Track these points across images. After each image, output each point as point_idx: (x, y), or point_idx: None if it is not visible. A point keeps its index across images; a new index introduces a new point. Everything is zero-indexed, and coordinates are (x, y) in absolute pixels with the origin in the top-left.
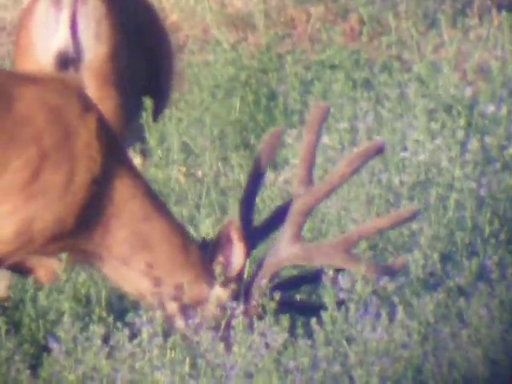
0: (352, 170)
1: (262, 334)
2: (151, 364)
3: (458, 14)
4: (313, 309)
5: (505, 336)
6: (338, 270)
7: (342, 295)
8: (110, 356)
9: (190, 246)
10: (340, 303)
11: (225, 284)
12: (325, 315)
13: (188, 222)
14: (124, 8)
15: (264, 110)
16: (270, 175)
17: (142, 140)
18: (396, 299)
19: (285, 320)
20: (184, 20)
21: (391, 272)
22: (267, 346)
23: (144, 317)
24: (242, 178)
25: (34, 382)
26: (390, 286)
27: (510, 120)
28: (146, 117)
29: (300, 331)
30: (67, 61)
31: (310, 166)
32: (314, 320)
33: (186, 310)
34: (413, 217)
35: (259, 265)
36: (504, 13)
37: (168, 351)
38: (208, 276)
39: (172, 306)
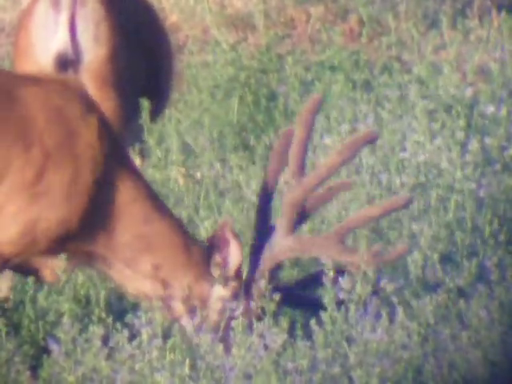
0: (342, 161)
1: (261, 336)
2: (151, 365)
3: (458, 15)
4: (312, 302)
5: (504, 337)
6: (338, 271)
7: (341, 296)
8: (109, 357)
9: (191, 245)
10: (340, 304)
11: (225, 283)
12: (324, 316)
13: (187, 223)
14: (123, 9)
15: (264, 111)
16: None
17: (141, 141)
18: (396, 300)
19: (284, 321)
20: (184, 20)
21: (389, 261)
22: (266, 347)
23: (143, 318)
24: (241, 179)
25: (33, 383)
26: (390, 287)
27: (510, 121)
28: (144, 117)
29: (299, 332)
30: (66, 62)
31: (301, 158)
32: (313, 321)
33: (190, 310)
34: (405, 205)
35: (256, 260)
36: (504, 14)
37: (167, 352)
38: (210, 275)
39: (177, 307)
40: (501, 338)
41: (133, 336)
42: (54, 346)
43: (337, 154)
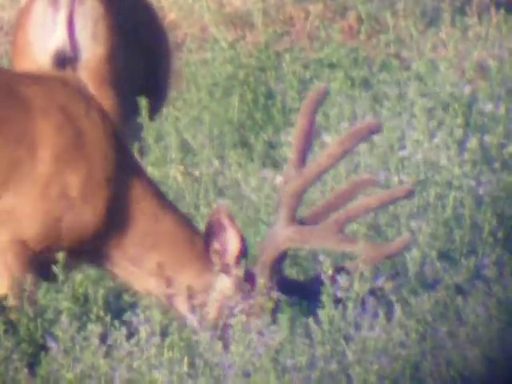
0: (343, 151)
1: (260, 333)
2: (149, 363)
3: (456, 13)
4: (311, 291)
5: (502, 335)
6: (336, 269)
7: (339, 294)
8: (107, 355)
9: (195, 238)
10: (338, 302)
11: (227, 271)
12: (322, 314)
13: None
14: (122, 7)
15: (262, 109)
16: (269, 174)
17: (140, 139)
18: (394, 298)
19: (282, 319)
20: (182, 18)
21: (389, 253)
22: (265, 344)
23: (141, 316)
24: (240, 177)
25: (32, 381)
26: (388, 285)
27: (509, 118)
28: (143, 115)
29: (298, 330)
30: (64, 61)
31: (303, 149)
32: (311, 319)
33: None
34: (405, 196)
35: (259, 251)
36: (503, 11)
37: (166, 350)
38: (213, 265)
39: (182, 303)
40: (499, 336)
41: (131, 334)
42: (52, 344)
43: (338, 144)
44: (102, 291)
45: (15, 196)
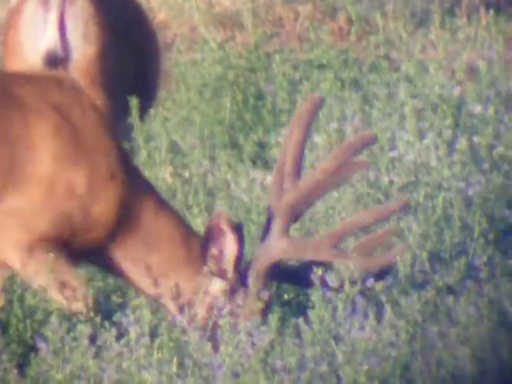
0: (337, 165)
1: (249, 334)
2: (138, 364)
3: (446, 14)
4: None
5: (493, 335)
6: (326, 269)
7: (329, 294)
8: (97, 356)
9: (192, 240)
10: (327, 302)
11: (222, 275)
12: (312, 314)
13: None
14: (112, 7)
15: (252, 110)
16: (259, 174)
17: (130, 139)
18: (384, 298)
19: (272, 319)
20: (172, 19)
21: (382, 266)
22: (254, 345)
23: (131, 317)
24: (230, 178)
25: (21, 382)
26: (378, 285)
27: (498, 120)
28: (133, 116)
29: (287, 330)
30: (55, 61)
31: (297, 161)
32: (301, 319)
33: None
34: (402, 209)
35: (250, 261)
36: (492, 12)
37: (155, 351)
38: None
39: (175, 304)
40: (489, 336)
41: (120, 335)
42: (41, 345)
43: (331, 158)
44: (91, 292)
45: (22, 197)
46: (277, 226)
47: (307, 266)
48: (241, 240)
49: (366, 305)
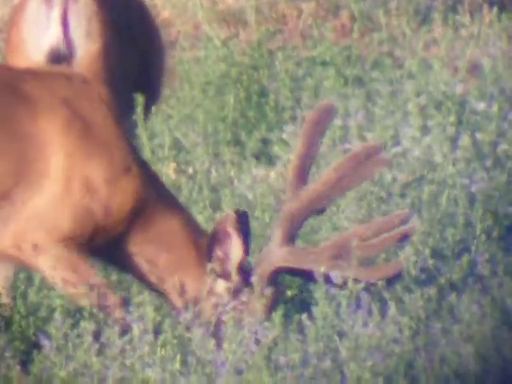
0: (339, 176)
1: (253, 330)
2: (142, 361)
3: (449, 11)
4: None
5: (496, 332)
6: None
7: (333, 291)
8: (100, 353)
9: (201, 240)
10: (331, 299)
11: (226, 277)
12: (316, 311)
13: None
14: (115, 4)
15: (255, 107)
16: (262, 171)
17: (134, 136)
18: (387, 295)
19: (275, 316)
20: (175, 16)
21: (383, 276)
22: (258, 342)
23: (135, 314)
24: (233, 175)
25: (24, 379)
26: (382, 282)
27: (501, 117)
28: (138, 113)
29: (291, 327)
30: (58, 58)
31: (301, 170)
32: (305, 316)
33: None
34: (403, 222)
35: (253, 266)
36: (495, 10)
37: (158, 348)
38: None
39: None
40: (492, 333)
41: (124, 331)
42: (45, 342)
43: (333, 169)
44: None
45: (40, 196)
46: (278, 234)
47: None
48: (246, 234)
49: (370, 301)
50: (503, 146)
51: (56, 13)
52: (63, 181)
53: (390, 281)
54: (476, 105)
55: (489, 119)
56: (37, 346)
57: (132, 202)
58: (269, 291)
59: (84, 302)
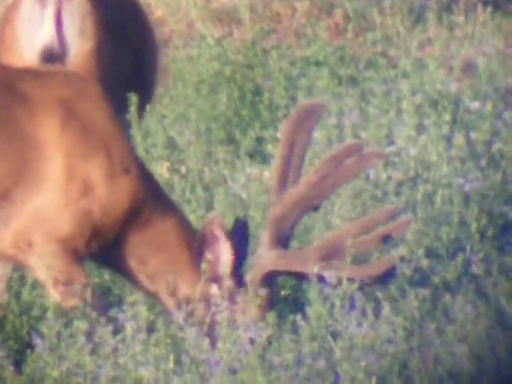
0: (320, 177)
1: (247, 330)
2: (135, 360)
3: (443, 11)
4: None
5: (490, 332)
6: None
7: (327, 290)
8: (93, 352)
9: (193, 240)
10: (325, 299)
11: (217, 281)
12: (310, 311)
13: None
14: (109, 3)
15: (249, 106)
16: (256, 170)
17: (128, 135)
18: (381, 295)
19: (269, 316)
20: (169, 15)
21: (375, 273)
22: (252, 341)
23: (128, 313)
24: (227, 173)
25: (17, 378)
26: (375, 282)
27: (495, 116)
28: (132, 112)
29: (285, 327)
30: (52, 57)
31: (283, 174)
32: (299, 316)
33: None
34: (390, 219)
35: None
36: (489, 9)
37: (152, 347)
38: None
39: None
40: (486, 333)
41: (117, 331)
42: (38, 341)
43: (315, 172)
44: (88, 288)
45: (39, 196)
46: (265, 238)
47: None
48: (245, 241)
49: (364, 301)
50: (498, 145)
51: (50, 11)
52: (62, 180)
53: (384, 281)
54: (470, 104)
55: (483, 118)
56: (30, 345)
57: (128, 202)
58: (263, 292)
59: (70, 305)
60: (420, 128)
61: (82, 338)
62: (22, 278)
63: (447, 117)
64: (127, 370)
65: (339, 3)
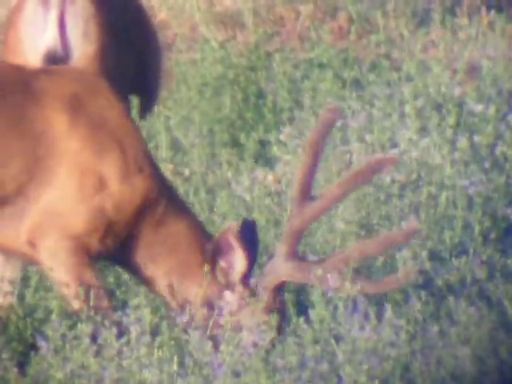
0: (344, 192)
1: (250, 333)
2: (139, 362)
3: (447, 13)
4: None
5: (493, 334)
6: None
7: (330, 294)
8: (97, 354)
9: (205, 243)
10: (328, 302)
11: (230, 288)
12: (313, 314)
13: None
14: (112, 6)
15: (252, 108)
16: (260, 173)
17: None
18: (384, 298)
19: (273, 319)
20: (172, 18)
21: (388, 289)
22: (255, 344)
23: (132, 315)
24: (231, 176)
25: (21, 380)
26: None
27: (499, 119)
28: (134, 115)
29: (288, 330)
30: (55, 60)
31: (306, 185)
32: (301, 319)
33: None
34: (406, 240)
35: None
36: (493, 12)
37: (156, 350)
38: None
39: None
40: (489, 335)
41: (121, 333)
42: (42, 343)
43: (338, 185)
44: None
45: (53, 193)
46: (282, 250)
47: None
48: (254, 243)
49: (367, 304)
50: (501, 148)
51: (53, 14)
52: (76, 177)
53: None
54: (474, 106)
55: (487, 121)
56: (34, 347)
57: (141, 200)
58: (278, 300)
59: (76, 305)
60: (423, 131)
61: (86, 340)
62: (26, 279)
63: (451, 119)
64: (131, 372)
65: (343, 6)
